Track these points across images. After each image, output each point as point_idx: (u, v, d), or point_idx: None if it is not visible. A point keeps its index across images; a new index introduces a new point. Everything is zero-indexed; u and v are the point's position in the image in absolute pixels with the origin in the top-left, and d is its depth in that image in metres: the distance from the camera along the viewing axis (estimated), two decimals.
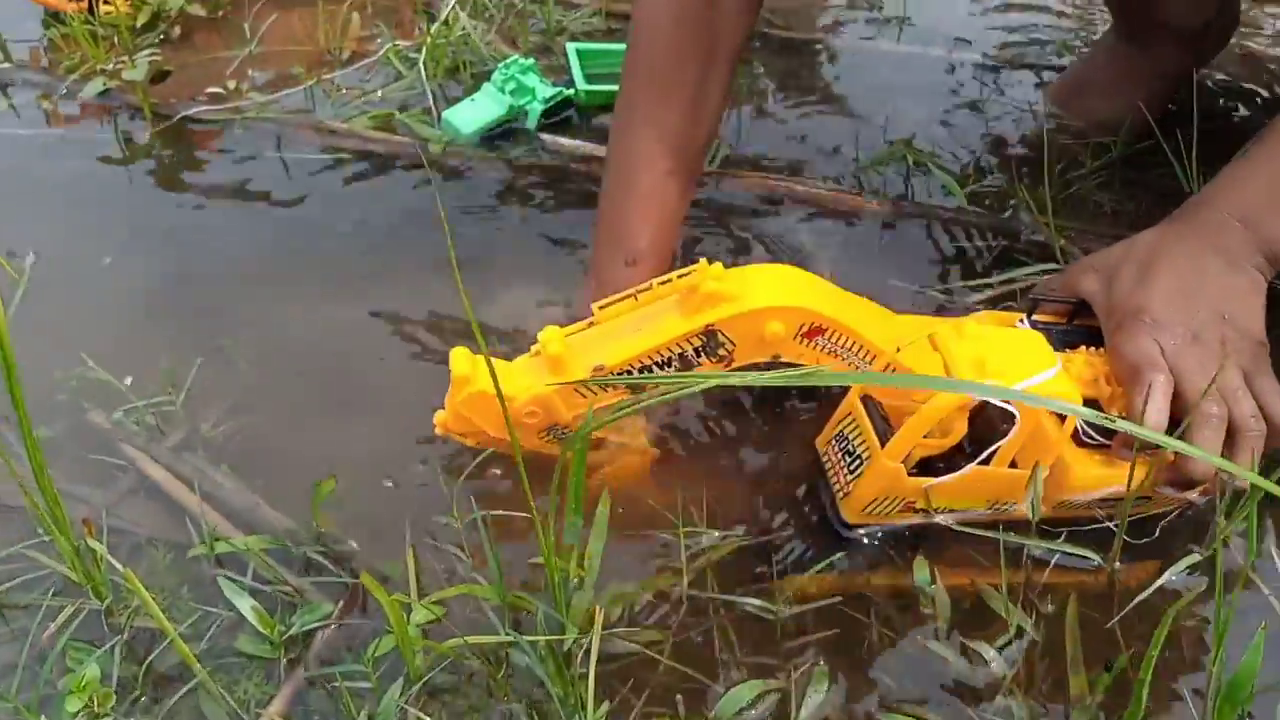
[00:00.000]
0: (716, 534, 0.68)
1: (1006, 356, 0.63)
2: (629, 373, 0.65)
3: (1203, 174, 0.86)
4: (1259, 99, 1.08)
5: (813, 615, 0.64)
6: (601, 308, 0.66)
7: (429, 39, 1.13)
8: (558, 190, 0.99)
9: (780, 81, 1.13)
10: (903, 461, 0.63)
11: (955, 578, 0.66)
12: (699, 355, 0.66)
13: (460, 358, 0.65)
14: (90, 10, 1.21)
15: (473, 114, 1.05)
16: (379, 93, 1.11)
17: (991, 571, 0.66)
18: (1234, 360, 0.65)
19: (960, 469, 0.63)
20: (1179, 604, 0.55)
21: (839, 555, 0.67)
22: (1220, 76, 1.10)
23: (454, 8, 1.18)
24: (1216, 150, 0.88)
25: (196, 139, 1.06)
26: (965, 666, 0.61)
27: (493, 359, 0.64)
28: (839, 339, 0.65)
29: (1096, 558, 0.66)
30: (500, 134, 1.05)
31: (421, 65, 1.12)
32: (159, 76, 1.08)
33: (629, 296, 0.66)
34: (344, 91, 1.11)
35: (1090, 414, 0.39)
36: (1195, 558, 0.65)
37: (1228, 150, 0.87)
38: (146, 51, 1.07)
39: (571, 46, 1.15)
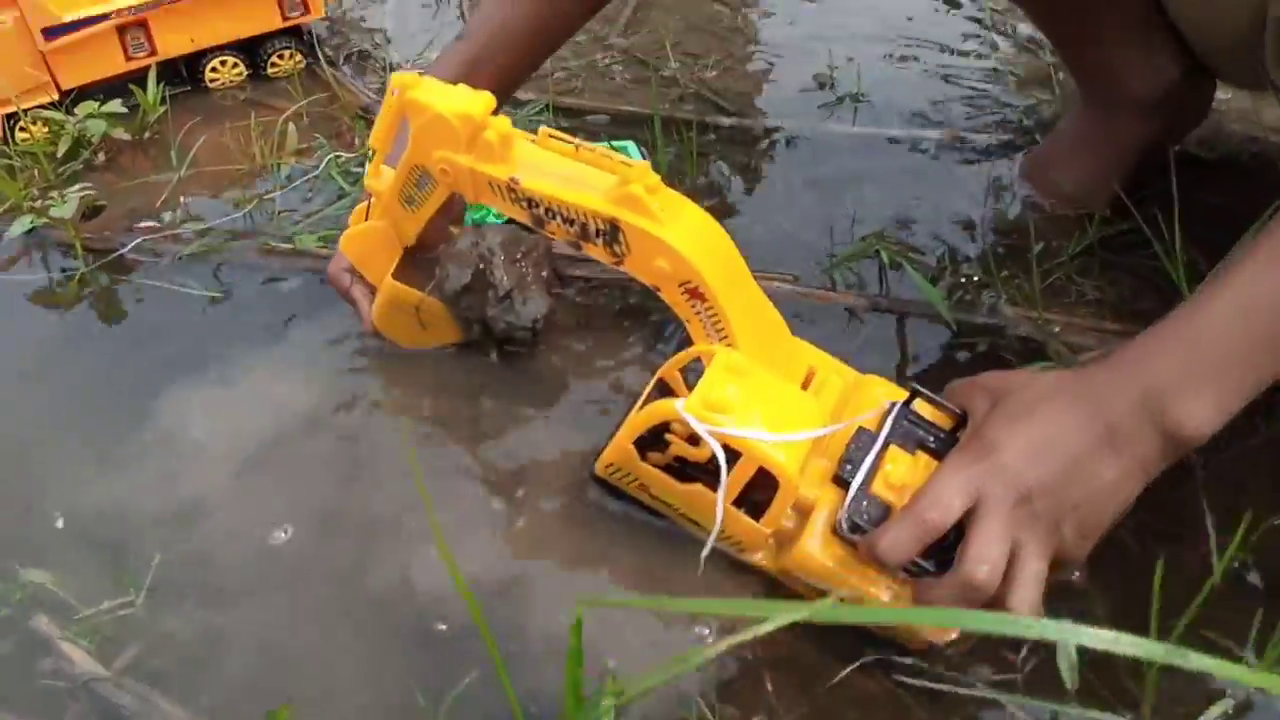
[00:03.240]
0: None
1: (757, 402, 0.63)
2: (533, 203, 0.70)
3: (1185, 253, 0.84)
4: (1238, 168, 1.07)
5: None
6: (550, 136, 0.70)
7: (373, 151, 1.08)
8: None
9: (736, 172, 1.10)
10: (651, 451, 0.67)
11: None
12: (597, 237, 0.68)
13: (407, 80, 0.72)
14: (4, 139, 1.14)
15: None
16: (323, 211, 1.05)
17: None
18: (1045, 547, 0.61)
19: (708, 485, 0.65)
20: None
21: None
22: (1193, 146, 1.09)
23: None
24: (1197, 226, 0.87)
25: (133, 274, 0.99)
26: None
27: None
28: (711, 314, 0.67)
29: None
30: None
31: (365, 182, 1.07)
32: (91, 211, 1.02)
33: (573, 144, 0.69)
34: (286, 214, 1.06)
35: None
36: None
37: (1208, 227, 0.86)
38: (77, 186, 1.01)
39: None
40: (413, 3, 1.42)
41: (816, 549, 0.65)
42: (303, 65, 1.27)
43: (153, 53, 1.19)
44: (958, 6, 1.37)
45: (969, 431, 0.66)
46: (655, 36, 1.33)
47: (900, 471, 0.65)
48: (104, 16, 1.13)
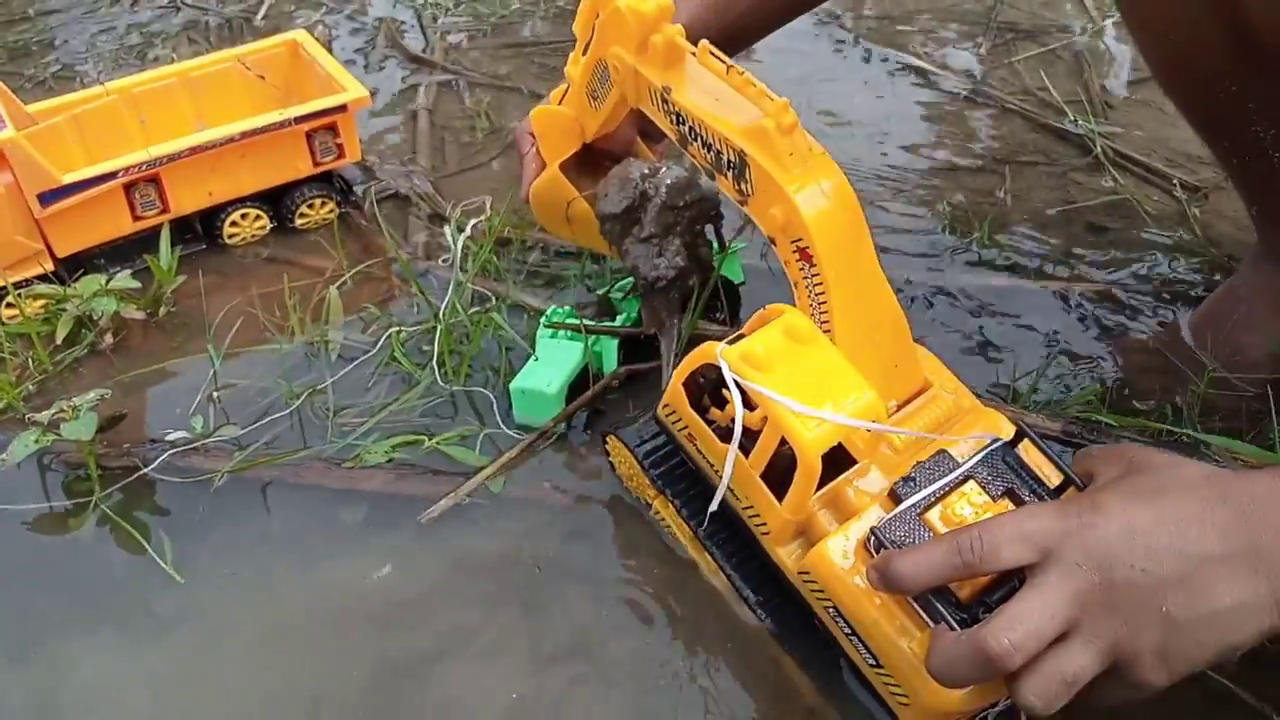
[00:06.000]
0: None
1: (805, 373, 0.58)
2: (680, 119, 0.69)
3: None
4: None
5: None
6: (709, 52, 0.67)
7: (440, 324, 0.91)
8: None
9: None
10: (714, 408, 0.65)
11: None
12: (728, 169, 0.66)
13: None
14: None
15: (549, 373, 0.84)
16: (391, 405, 0.88)
17: None
18: (1105, 646, 0.49)
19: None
20: None
21: None
22: None
23: (456, 276, 0.96)
24: None
25: (158, 500, 0.81)
26: None
27: None
28: (818, 283, 0.63)
29: None
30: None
31: (435, 366, 0.90)
32: (109, 422, 0.83)
33: (725, 64, 0.66)
34: (344, 408, 0.88)
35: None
36: None
37: None
38: (92, 394, 0.82)
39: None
40: (448, 135, 1.26)
41: (835, 553, 0.59)
42: (335, 215, 1.10)
43: (165, 210, 1.01)
44: (1051, 131, 1.25)
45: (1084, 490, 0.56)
46: None
47: (967, 510, 0.57)
48: (112, 175, 0.95)
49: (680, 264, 0.81)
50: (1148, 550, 0.49)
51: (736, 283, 0.93)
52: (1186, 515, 0.50)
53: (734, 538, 0.69)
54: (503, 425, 0.86)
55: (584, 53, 0.78)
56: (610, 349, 0.87)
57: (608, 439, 0.77)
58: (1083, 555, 0.49)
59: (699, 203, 0.81)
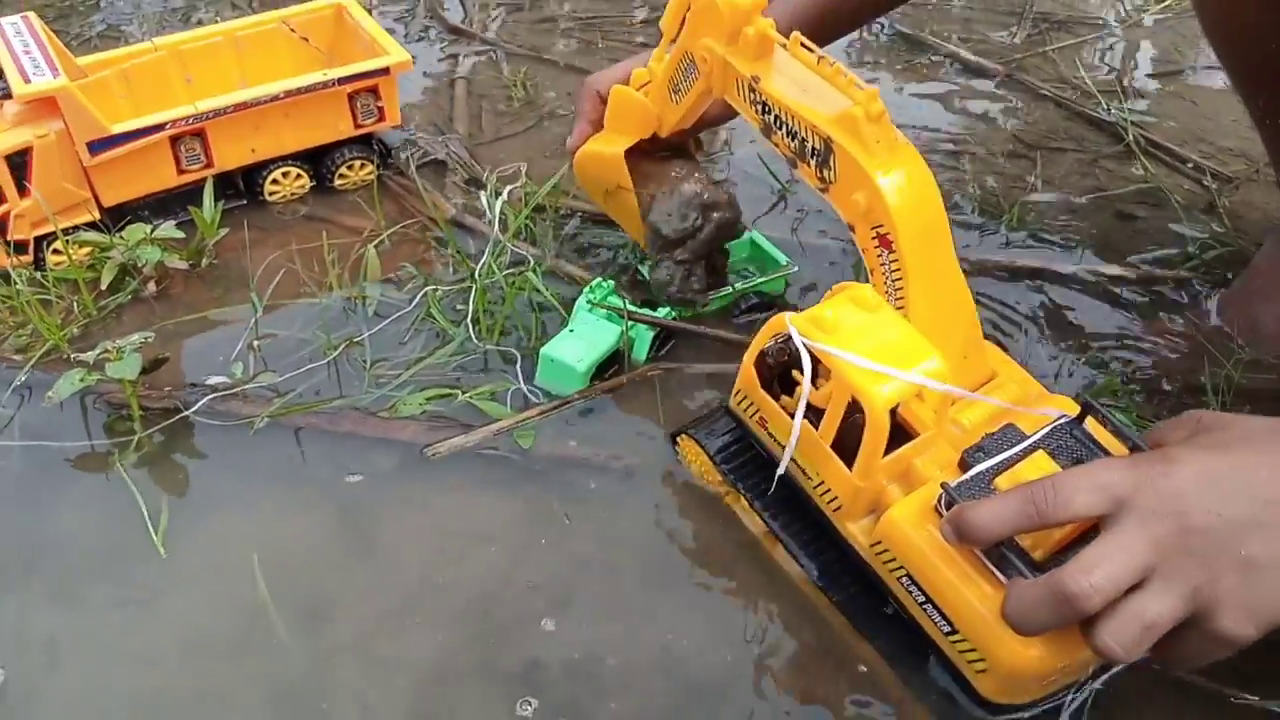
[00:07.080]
0: None
1: (874, 336, 0.59)
2: (766, 108, 0.70)
3: None
4: None
5: None
6: (800, 43, 0.70)
7: (476, 283, 0.93)
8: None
9: None
10: (784, 395, 0.67)
11: None
12: (812, 157, 0.68)
13: None
14: (36, 264, 0.98)
15: (581, 348, 0.86)
16: (426, 360, 0.89)
17: None
18: (1184, 592, 0.48)
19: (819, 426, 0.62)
20: None
21: None
22: None
23: (495, 236, 0.98)
24: None
25: (199, 444, 0.83)
26: None
27: None
28: (895, 269, 0.64)
29: None
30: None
31: (469, 324, 0.92)
32: (152, 365, 0.85)
33: (816, 55, 0.68)
34: (380, 362, 0.90)
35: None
36: None
37: None
38: (136, 337, 0.84)
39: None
40: (485, 104, 1.27)
41: (906, 517, 0.59)
42: (373, 177, 1.12)
43: (209, 165, 1.03)
44: (1085, 118, 1.25)
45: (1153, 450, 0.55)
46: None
47: (1030, 471, 0.57)
48: (159, 127, 0.97)
49: (698, 296, 0.89)
50: (1222, 495, 0.49)
51: (775, 294, 0.95)
52: (1258, 461, 0.50)
53: (808, 528, 0.69)
54: (522, 383, 0.87)
55: (668, 49, 0.80)
56: (645, 338, 0.88)
57: (678, 440, 0.79)
58: (1157, 502, 0.49)
59: (729, 239, 0.89)
